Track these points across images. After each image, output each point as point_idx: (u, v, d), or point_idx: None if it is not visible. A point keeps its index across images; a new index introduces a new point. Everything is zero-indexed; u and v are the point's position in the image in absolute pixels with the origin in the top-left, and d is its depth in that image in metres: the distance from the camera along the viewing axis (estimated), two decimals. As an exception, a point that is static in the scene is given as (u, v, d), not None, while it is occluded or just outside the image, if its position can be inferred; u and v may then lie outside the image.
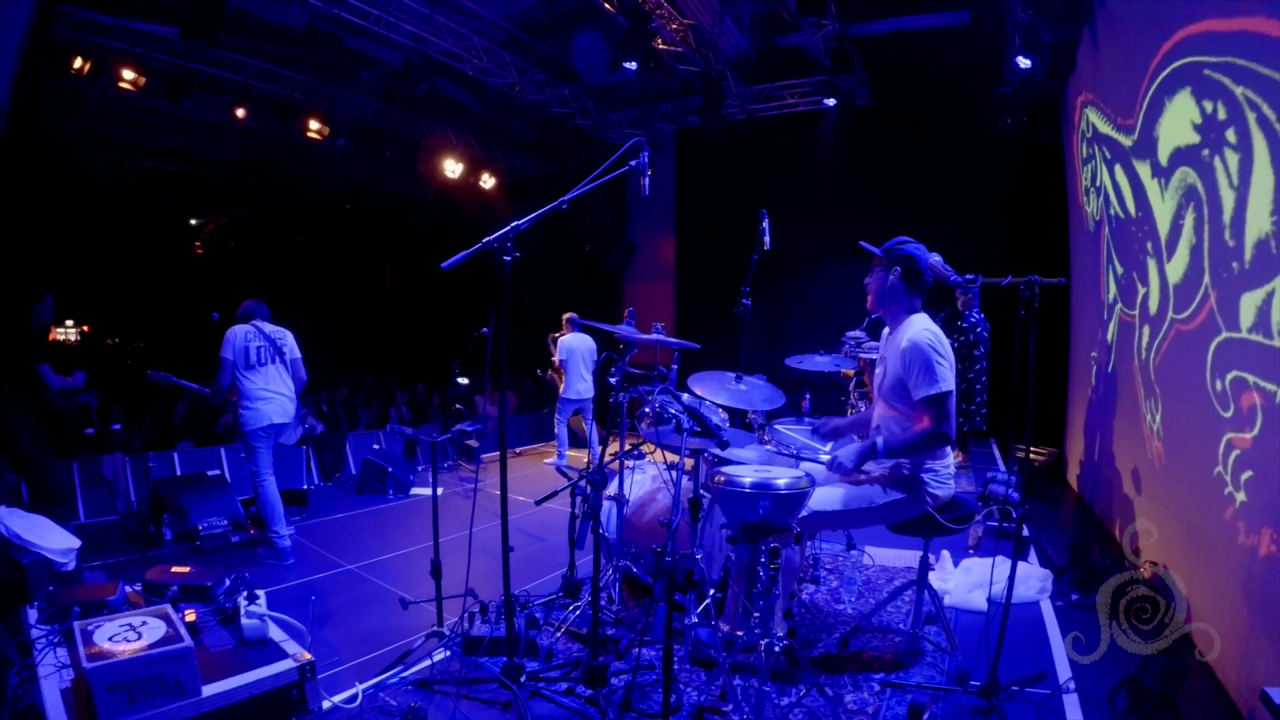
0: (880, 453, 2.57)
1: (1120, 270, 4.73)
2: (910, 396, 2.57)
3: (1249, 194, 2.60)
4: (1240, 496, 2.66)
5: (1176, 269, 3.46)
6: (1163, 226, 3.66)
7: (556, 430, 7.07)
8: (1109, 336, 5.12)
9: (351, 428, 8.38)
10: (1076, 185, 6.24)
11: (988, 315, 6.12)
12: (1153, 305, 3.91)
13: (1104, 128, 4.95)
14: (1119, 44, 4.52)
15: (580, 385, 6.81)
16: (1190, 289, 3.25)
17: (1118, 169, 4.61)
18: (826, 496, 2.71)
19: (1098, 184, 5.31)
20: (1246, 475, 2.61)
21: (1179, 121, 3.35)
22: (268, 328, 4.28)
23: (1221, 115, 2.85)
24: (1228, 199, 2.81)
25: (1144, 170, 3.96)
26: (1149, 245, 3.93)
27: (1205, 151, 3.04)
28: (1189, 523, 3.20)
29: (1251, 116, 2.56)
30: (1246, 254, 2.62)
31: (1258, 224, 2.53)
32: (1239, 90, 2.67)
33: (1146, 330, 4.02)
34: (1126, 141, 4.33)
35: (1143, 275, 4.11)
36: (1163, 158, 3.60)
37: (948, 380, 2.51)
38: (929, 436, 2.52)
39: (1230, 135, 2.76)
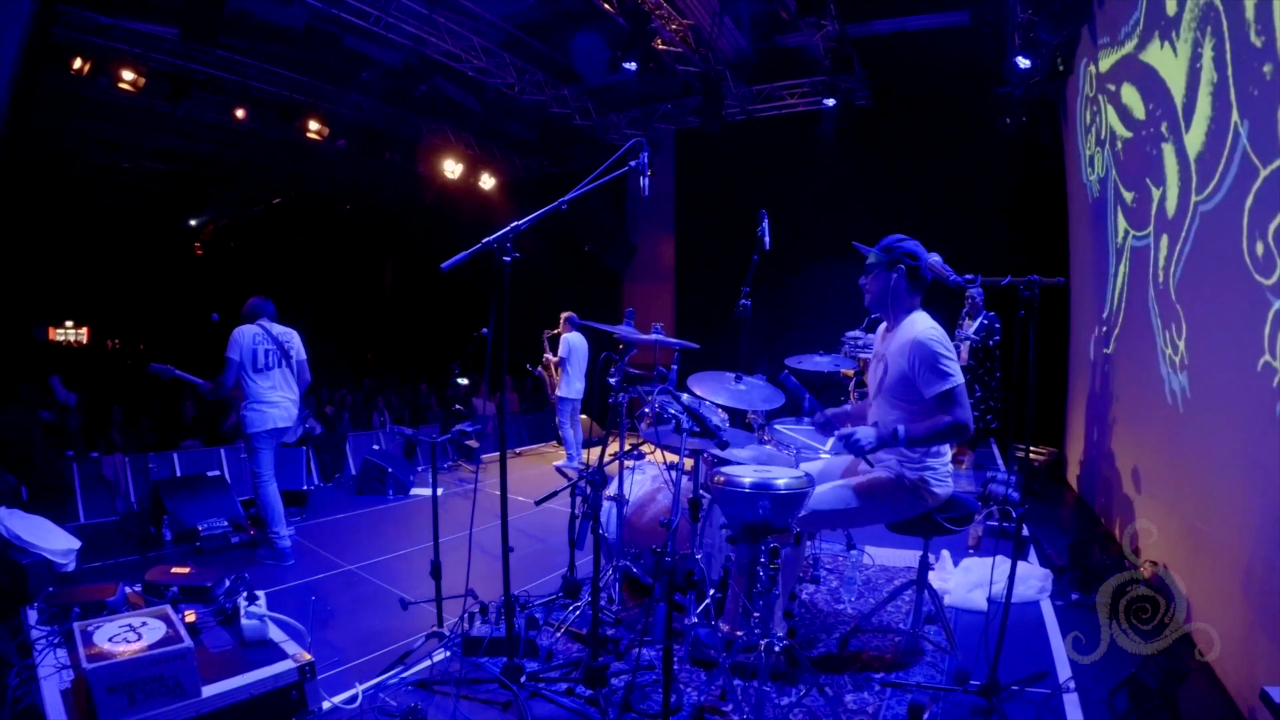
0: (902, 440, 2.51)
1: (1130, 197, 4.45)
2: (916, 394, 2.57)
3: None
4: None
5: (1197, 134, 3.15)
6: (1178, 89, 3.41)
7: (563, 432, 7.04)
8: (1117, 287, 4.85)
9: (366, 428, 8.36)
10: (1078, 165, 6.07)
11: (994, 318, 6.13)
12: (1170, 202, 3.59)
13: (1107, 61, 4.84)
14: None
15: (579, 384, 6.83)
16: (1215, 148, 2.93)
17: (1125, 88, 4.40)
18: (826, 496, 2.71)
19: (1101, 137, 5.18)
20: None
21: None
22: (275, 329, 4.27)
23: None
24: None
25: (1152, 54, 3.81)
26: (1164, 128, 3.64)
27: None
28: (1189, 523, 3.20)
29: None
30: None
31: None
32: None
33: (1164, 242, 3.69)
34: (1130, 45, 4.23)
35: (1157, 174, 3.80)
36: (1171, 6, 3.48)
37: (956, 374, 2.52)
38: (950, 428, 2.50)
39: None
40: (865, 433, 2.57)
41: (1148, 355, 3.98)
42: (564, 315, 6.96)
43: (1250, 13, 2.56)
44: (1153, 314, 3.89)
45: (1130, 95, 4.29)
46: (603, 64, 7.74)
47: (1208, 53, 3.00)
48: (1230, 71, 2.78)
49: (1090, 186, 5.78)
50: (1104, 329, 5.26)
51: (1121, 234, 4.72)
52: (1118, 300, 4.85)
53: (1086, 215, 6.04)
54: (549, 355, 7.06)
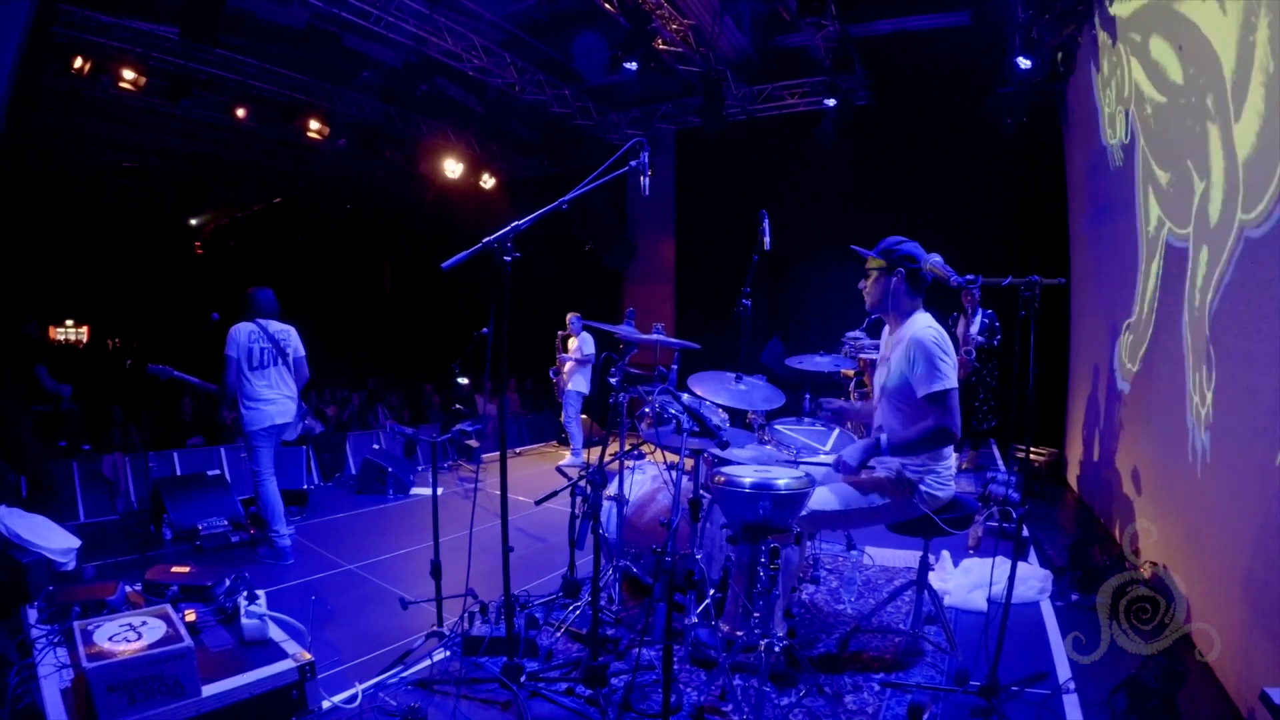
0: (885, 449, 2.57)
1: (1165, 178, 3.73)
2: (914, 395, 2.57)
3: None
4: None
5: (1248, 130, 2.58)
6: (1227, 58, 2.78)
7: (569, 427, 7.12)
8: (1149, 290, 4.07)
9: (366, 428, 8.35)
10: (1099, 123, 5.27)
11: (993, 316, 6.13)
12: (1214, 206, 2.97)
13: (1129, 4, 4.24)
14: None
15: (588, 380, 6.98)
16: (1268, 158, 2.43)
17: (1156, 42, 3.76)
18: (826, 497, 2.71)
19: (1125, 94, 4.48)
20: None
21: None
22: (273, 326, 4.26)
23: None
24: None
25: (1191, 3, 3.21)
26: (1209, 102, 2.99)
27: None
28: (1190, 523, 3.20)
29: None
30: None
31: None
32: None
33: (1204, 256, 3.08)
34: None
35: (1200, 160, 3.13)
36: None
37: (951, 377, 2.51)
38: (934, 433, 2.52)
39: None
40: (849, 452, 2.63)
41: (1176, 397, 3.40)
42: (570, 315, 7.03)
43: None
44: (1186, 343, 3.31)
45: (1163, 51, 3.64)
46: (603, 64, 7.75)
47: (1263, 29, 2.44)
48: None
49: (1111, 152, 4.99)
50: (1131, 337, 4.50)
51: (1155, 222, 3.97)
52: (1149, 307, 4.08)
53: (1103, 188, 5.32)
54: (563, 355, 7.15)
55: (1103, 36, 5.02)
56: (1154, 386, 3.92)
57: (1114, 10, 4.66)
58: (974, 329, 5.85)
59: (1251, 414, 2.56)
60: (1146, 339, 4.09)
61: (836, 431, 3.60)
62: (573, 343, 7.09)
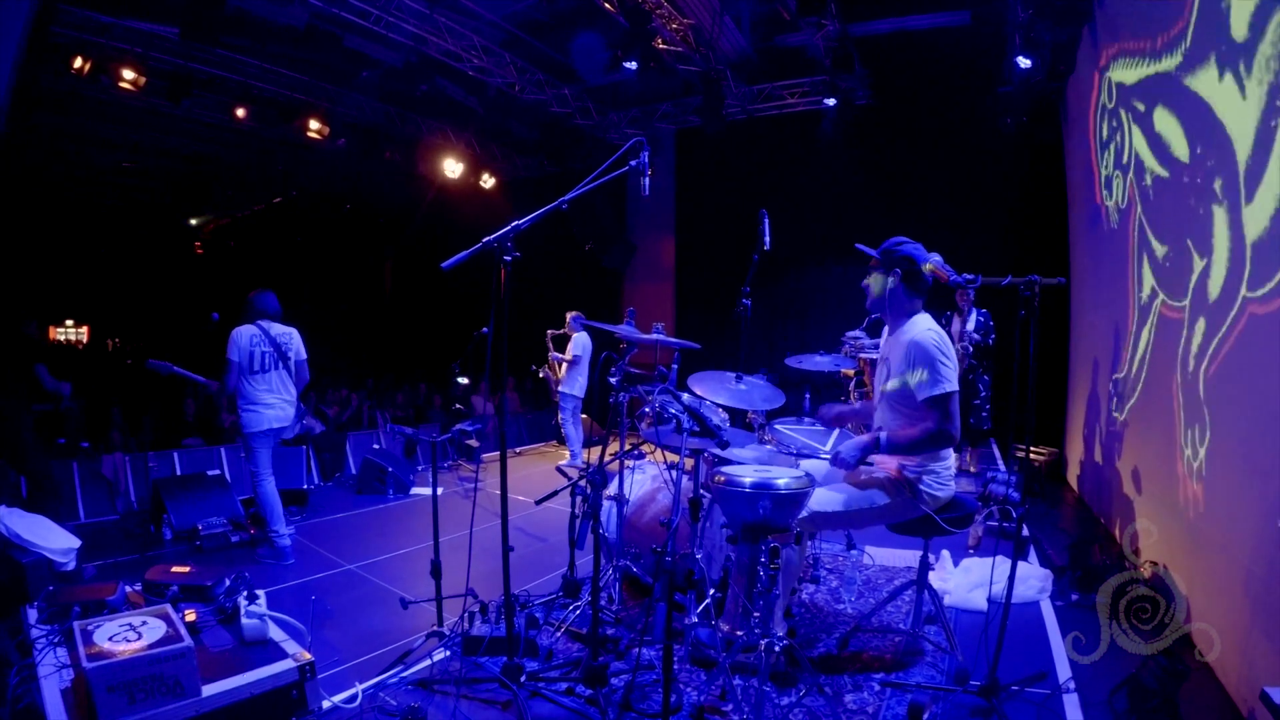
0: (884, 446, 2.57)
1: (1162, 251, 3.76)
2: (913, 397, 2.57)
3: None
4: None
5: (1261, 211, 2.53)
6: (1242, 142, 2.71)
7: (565, 430, 7.08)
8: (1138, 353, 4.22)
9: (367, 428, 8.36)
10: (1095, 179, 5.59)
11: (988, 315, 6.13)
12: (1214, 284, 2.98)
13: (1135, 73, 4.18)
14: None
15: (583, 382, 6.92)
16: None
17: (1159, 112, 3.75)
18: (827, 497, 2.71)
19: (1124, 161, 4.51)
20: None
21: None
22: (274, 329, 4.25)
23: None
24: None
25: (1204, 82, 3.10)
26: (1216, 185, 2.94)
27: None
28: (1190, 523, 3.19)
29: None
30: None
31: None
32: None
33: (1200, 326, 3.13)
34: (1171, 63, 3.52)
35: (1202, 239, 3.11)
36: (1239, 28, 2.71)
37: (951, 380, 2.51)
38: (933, 435, 2.52)
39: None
40: (848, 448, 2.63)
41: (1165, 448, 3.52)
42: (570, 315, 7.00)
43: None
44: (1177, 404, 3.38)
45: (1168, 125, 3.62)
46: (603, 63, 7.75)
47: None
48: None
49: (1107, 212, 5.12)
50: (1114, 391, 4.73)
51: (1148, 291, 4.06)
52: (1137, 368, 4.22)
53: (1099, 236, 5.52)
54: (555, 354, 7.11)
55: (1103, 98, 5.10)
56: (1145, 433, 4.04)
57: (1115, 75, 4.71)
58: (969, 327, 5.86)
59: (1247, 478, 2.60)
60: (1134, 395, 4.25)
61: (836, 432, 3.60)
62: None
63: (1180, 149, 3.46)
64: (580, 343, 6.92)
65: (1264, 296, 2.50)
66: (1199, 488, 3.06)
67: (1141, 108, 4.07)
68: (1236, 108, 2.79)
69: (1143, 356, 4.12)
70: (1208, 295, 3.06)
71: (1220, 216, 2.92)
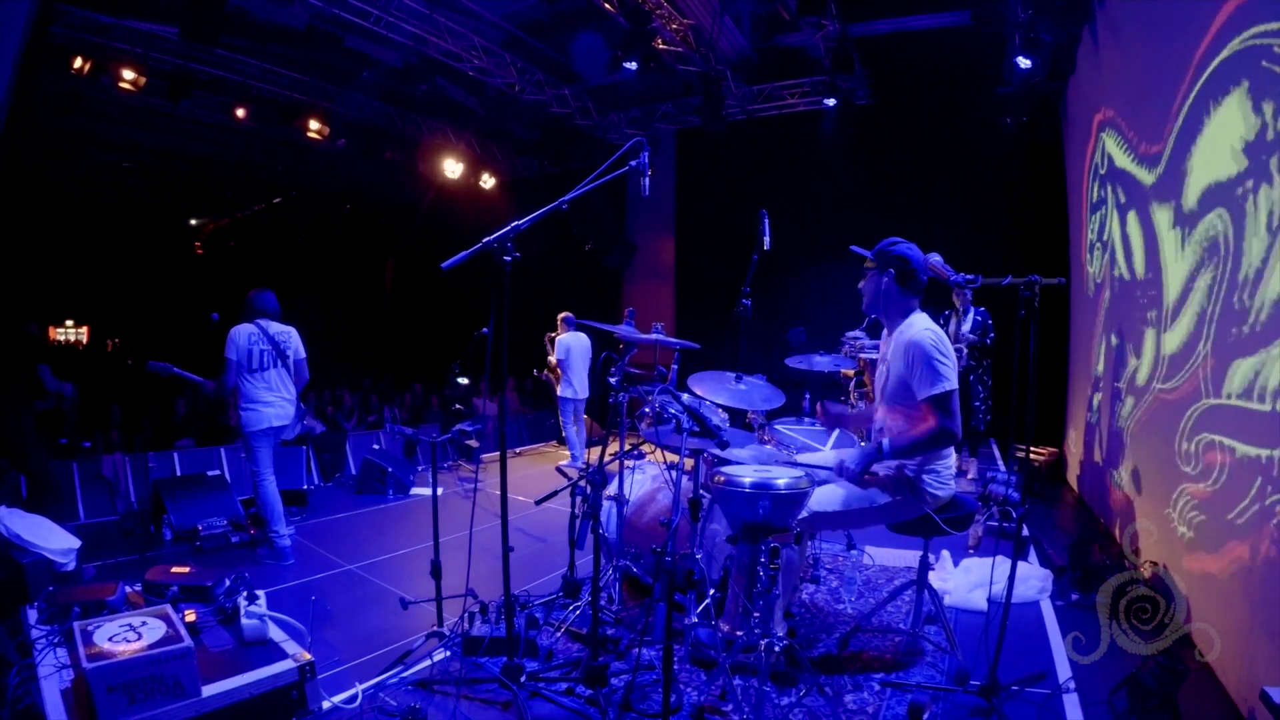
0: (887, 453, 2.56)
1: (1114, 343, 4.79)
2: (913, 397, 2.57)
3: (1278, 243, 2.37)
4: (1186, 533, 3.12)
5: (1175, 338, 3.41)
6: (1172, 290, 3.53)
7: (566, 432, 7.03)
8: (1093, 406, 5.30)
9: (367, 428, 8.35)
10: (1079, 165, 5.89)
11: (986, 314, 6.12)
12: (1141, 378, 4.04)
13: (1122, 160, 4.58)
14: (1148, 39, 3.96)
15: (578, 384, 6.82)
16: (1184, 357, 3.28)
17: (1131, 218, 4.35)
18: (826, 497, 2.71)
19: (1104, 238, 5.09)
20: (1197, 518, 3.02)
21: (1220, 144, 2.89)
22: (273, 328, 4.25)
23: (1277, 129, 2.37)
24: (1254, 250, 2.56)
25: (1163, 218, 3.68)
26: (1150, 314, 3.88)
27: (1244, 187, 2.65)
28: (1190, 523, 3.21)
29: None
30: (1258, 315, 2.51)
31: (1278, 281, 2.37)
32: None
33: (1130, 400, 4.29)
34: (1148, 178, 3.99)
35: (1138, 347, 4.16)
36: (1190, 200, 3.25)
37: (951, 379, 2.50)
38: (935, 435, 2.51)
39: (1276, 163, 2.37)
40: (850, 457, 2.64)
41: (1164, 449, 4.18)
42: (561, 316, 6.97)
43: (1247, 270, 2.64)
44: (1126, 435, 4.41)
45: (1136, 237, 4.26)
46: (603, 64, 7.75)
47: (1203, 284, 3.11)
48: (1215, 312, 2.95)
49: (1089, 276, 5.86)
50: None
51: (1099, 369, 5.16)
52: (1096, 416, 5.28)
53: (1084, 289, 6.17)
54: (552, 358, 7.08)
55: (1096, 159, 5.48)
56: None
57: (1106, 142, 5.12)
58: (966, 327, 5.85)
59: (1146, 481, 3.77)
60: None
61: (836, 432, 3.60)
62: None
63: (1139, 264, 4.24)
64: (565, 345, 6.75)
65: (1170, 388, 3.48)
66: (1121, 494, 4.07)
67: (1122, 198, 4.69)
68: (1174, 258, 3.53)
69: (1097, 408, 5.25)
70: (1136, 383, 4.16)
71: (1149, 337, 3.94)
